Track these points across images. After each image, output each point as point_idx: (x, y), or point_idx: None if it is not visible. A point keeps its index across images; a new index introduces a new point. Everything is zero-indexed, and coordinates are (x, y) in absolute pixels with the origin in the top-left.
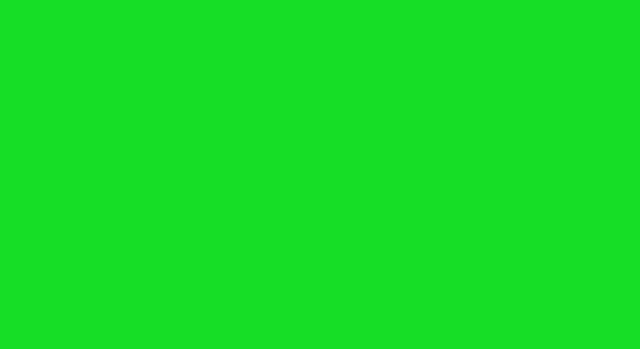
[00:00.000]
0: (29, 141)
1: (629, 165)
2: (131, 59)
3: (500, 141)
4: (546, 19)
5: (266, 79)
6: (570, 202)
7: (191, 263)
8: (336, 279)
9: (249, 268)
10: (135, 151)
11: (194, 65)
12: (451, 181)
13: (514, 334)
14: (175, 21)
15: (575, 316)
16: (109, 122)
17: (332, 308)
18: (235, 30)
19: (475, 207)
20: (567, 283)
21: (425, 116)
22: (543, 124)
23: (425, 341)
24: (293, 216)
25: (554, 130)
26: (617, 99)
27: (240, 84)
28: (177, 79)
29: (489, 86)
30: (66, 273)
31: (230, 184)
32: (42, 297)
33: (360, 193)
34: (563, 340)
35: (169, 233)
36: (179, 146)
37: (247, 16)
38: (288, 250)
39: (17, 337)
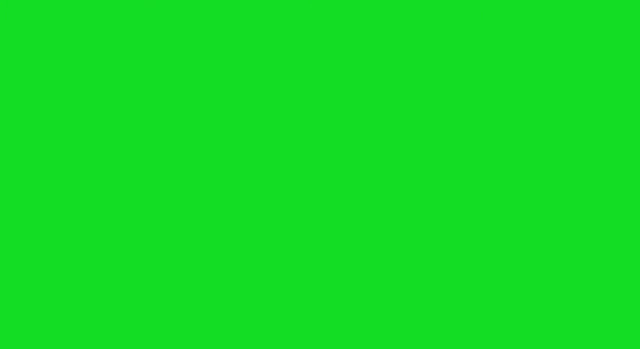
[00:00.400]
0: (29, 141)
1: (629, 165)
2: (131, 59)
3: (500, 141)
4: (546, 19)
5: (266, 79)
6: (570, 202)
7: (191, 263)
8: (336, 279)
9: (249, 268)
10: (135, 150)
11: (194, 66)
12: (451, 181)
13: (514, 334)
14: (176, 21)
15: (576, 316)
16: (109, 122)
17: (332, 308)
18: (235, 31)
19: (475, 207)
20: (567, 283)
21: (425, 116)
22: (543, 124)
23: (426, 341)
24: (293, 216)
25: (554, 130)
26: (617, 99)
27: (241, 84)
28: (177, 79)
29: (489, 86)
30: (66, 273)
31: (230, 184)
32: (42, 297)
33: (360, 193)
34: (563, 340)
35: (169, 233)
36: (179, 146)
37: (247, 16)
38: (288, 250)
39: (17, 337)
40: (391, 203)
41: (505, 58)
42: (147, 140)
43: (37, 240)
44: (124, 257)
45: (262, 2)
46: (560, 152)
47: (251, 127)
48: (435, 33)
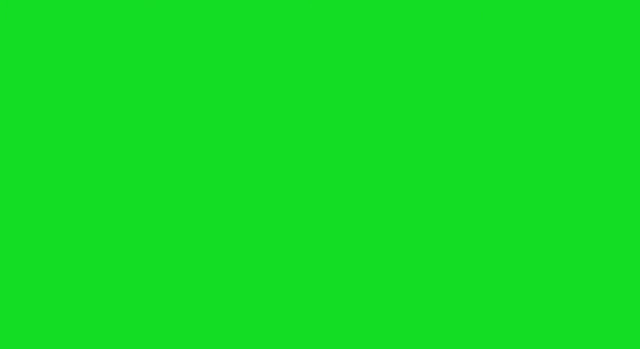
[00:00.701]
0: (29, 141)
1: (629, 165)
2: (131, 59)
3: (500, 141)
4: (546, 19)
5: (266, 79)
6: (570, 203)
7: (191, 263)
8: (336, 279)
9: (249, 268)
10: (135, 151)
11: (194, 66)
12: (451, 181)
13: (514, 334)
14: (176, 21)
15: (576, 316)
16: (109, 122)
17: (332, 308)
18: (235, 31)
19: (475, 208)
20: (567, 283)
21: (425, 116)
22: (543, 124)
23: (426, 341)
24: (293, 216)
25: (554, 130)
26: (617, 99)
27: (241, 84)
28: (177, 79)
29: (489, 86)
30: (66, 273)
31: (231, 184)
32: (42, 297)
33: (360, 193)
34: (563, 340)
35: (169, 233)
36: (179, 146)
37: (247, 16)
38: (288, 250)
39: (17, 337)
40: (391, 203)
41: (505, 58)
42: (147, 140)
43: (37, 240)
44: (124, 257)
45: (262, 2)
46: (560, 152)
47: (251, 127)
48: (436, 33)
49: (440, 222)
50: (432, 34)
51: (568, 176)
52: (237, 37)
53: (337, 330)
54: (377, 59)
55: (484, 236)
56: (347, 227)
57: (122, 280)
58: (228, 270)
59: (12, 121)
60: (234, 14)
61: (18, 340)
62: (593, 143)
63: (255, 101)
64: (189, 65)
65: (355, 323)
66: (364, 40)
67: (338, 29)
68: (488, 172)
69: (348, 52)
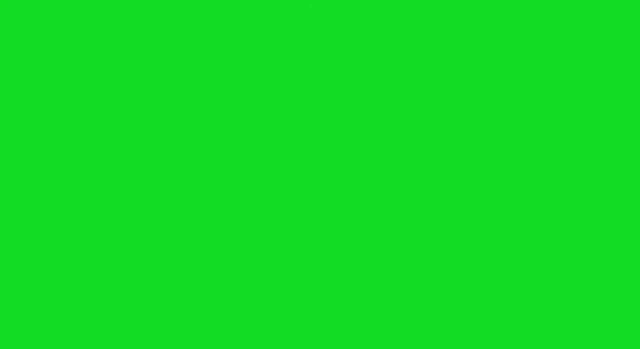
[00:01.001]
0: (29, 141)
1: (629, 165)
2: (131, 59)
3: (500, 141)
4: (546, 19)
5: (266, 79)
6: (570, 203)
7: (191, 263)
8: (336, 279)
9: (249, 268)
10: (135, 151)
11: (194, 66)
12: (451, 181)
13: (514, 334)
14: (176, 21)
15: (576, 316)
16: (109, 122)
17: (332, 308)
18: (235, 31)
19: (475, 207)
20: (567, 283)
21: (426, 116)
22: (543, 124)
23: (426, 341)
24: (293, 216)
25: (554, 130)
26: (617, 99)
27: (241, 84)
28: (177, 79)
29: (489, 86)
30: (66, 273)
31: (231, 184)
32: (42, 297)
33: (360, 193)
34: (563, 340)
35: (169, 233)
36: (179, 146)
37: (247, 16)
38: (288, 250)
39: (17, 337)
40: (391, 203)
41: (505, 58)
42: (148, 140)
43: (37, 240)
44: (124, 257)
45: (262, 2)
46: (560, 152)
47: (251, 127)
48: (436, 33)
49: (440, 222)
50: (432, 34)
51: (568, 176)
52: (237, 37)
53: (337, 330)
54: (377, 59)
55: (484, 236)
56: (346, 227)
57: (122, 280)
58: (228, 270)
59: (12, 121)
60: (234, 14)
61: (18, 340)
62: (593, 143)
63: (255, 101)
64: (189, 66)
65: (355, 323)
66: (364, 41)
67: (338, 29)
68: (488, 171)
69: (348, 53)
